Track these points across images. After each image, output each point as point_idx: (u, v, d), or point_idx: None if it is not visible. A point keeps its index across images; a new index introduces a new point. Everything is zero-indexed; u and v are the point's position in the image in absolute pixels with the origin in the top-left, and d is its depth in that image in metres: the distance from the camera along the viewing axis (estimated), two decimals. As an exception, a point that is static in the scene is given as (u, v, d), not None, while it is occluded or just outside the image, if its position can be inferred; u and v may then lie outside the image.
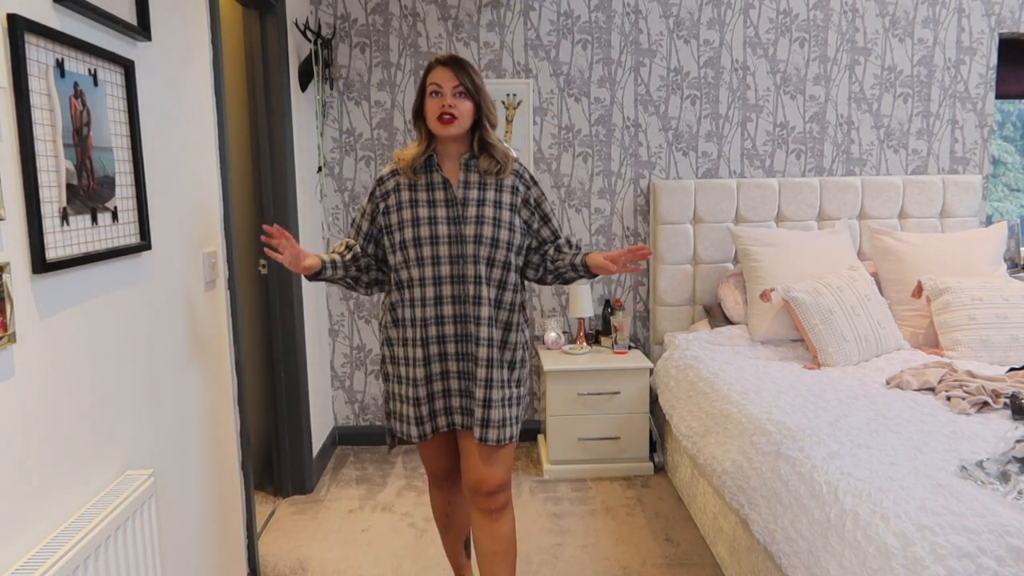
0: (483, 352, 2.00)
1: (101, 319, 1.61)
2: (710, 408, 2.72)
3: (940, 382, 2.54)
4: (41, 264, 1.36)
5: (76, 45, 1.50)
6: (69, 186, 1.47)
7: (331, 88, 3.67)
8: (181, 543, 1.98)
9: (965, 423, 2.21)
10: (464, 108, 1.97)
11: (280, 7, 3.06)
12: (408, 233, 2.00)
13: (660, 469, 3.51)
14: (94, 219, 1.57)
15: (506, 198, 2.03)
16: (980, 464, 1.85)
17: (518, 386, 2.09)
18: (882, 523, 1.65)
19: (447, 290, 2.00)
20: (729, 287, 3.52)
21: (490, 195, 2.02)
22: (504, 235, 2.01)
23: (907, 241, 3.37)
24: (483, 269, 2.00)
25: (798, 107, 3.79)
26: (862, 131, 3.82)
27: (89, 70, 1.55)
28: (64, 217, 1.45)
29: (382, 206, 2.05)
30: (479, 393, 2.01)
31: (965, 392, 2.40)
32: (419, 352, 2.03)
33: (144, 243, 1.78)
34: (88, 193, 1.54)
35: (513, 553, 2.12)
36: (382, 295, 2.13)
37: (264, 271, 3.19)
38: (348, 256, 2.11)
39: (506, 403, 2.04)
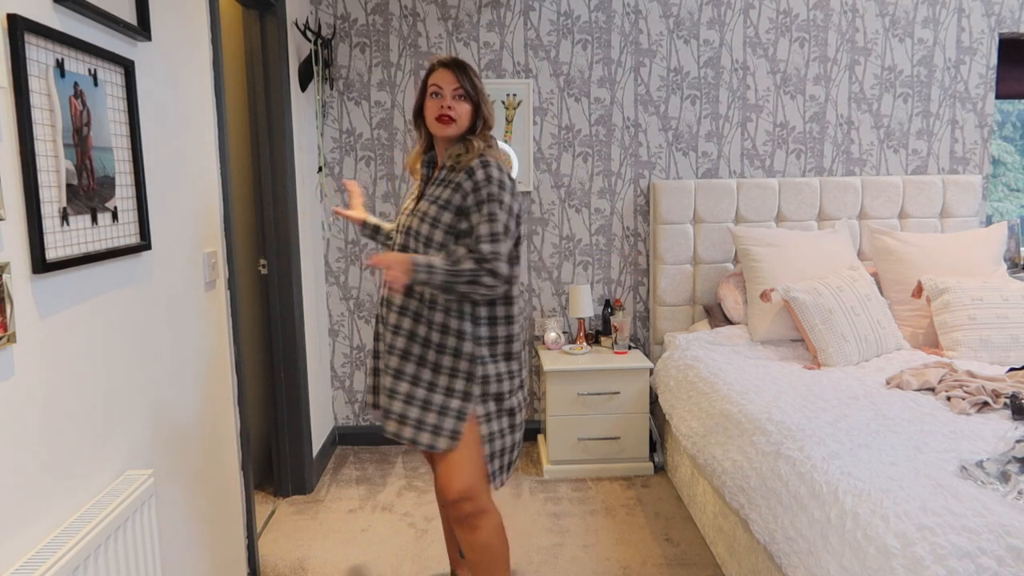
0: (394, 340, 2.03)
1: (101, 319, 1.61)
2: (710, 408, 2.72)
3: (940, 382, 2.54)
4: (41, 264, 1.37)
5: (76, 45, 1.50)
6: (69, 186, 1.47)
7: (331, 88, 3.67)
8: (181, 543, 1.98)
9: (965, 423, 2.21)
10: (463, 110, 2.01)
11: (280, 7, 3.06)
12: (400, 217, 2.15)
13: (660, 469, 3.51)
14: (94, 219, 1.57)
15: (445, 194, 2.00)
16: (980, 464, 1.85)
17: (447, 395, 1.99)
18: (882, 523, 1.65)
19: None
20: (729, 287, 3.52)
21: (438, 191, 2.03)
22: (424, 229, 2.00)
23: (907, 241, 3.37)
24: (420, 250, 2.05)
25: (798, 107, 3.79)
26: (862, 131, 3.82)
27: (89, 70, 1.55)
28: (64, 217, 1.45)
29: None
30: (385, 380, 2.06)
31: (965, 392, 2.40)
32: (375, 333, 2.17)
33: (144, 243, 1.78)
34: (88, 193, 1.54)
35: (491, 561, 2.08)
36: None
37: (264, 271, 3.19)
38: None
39: (417, 402, 2.01)
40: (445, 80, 2.01)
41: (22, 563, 1.29)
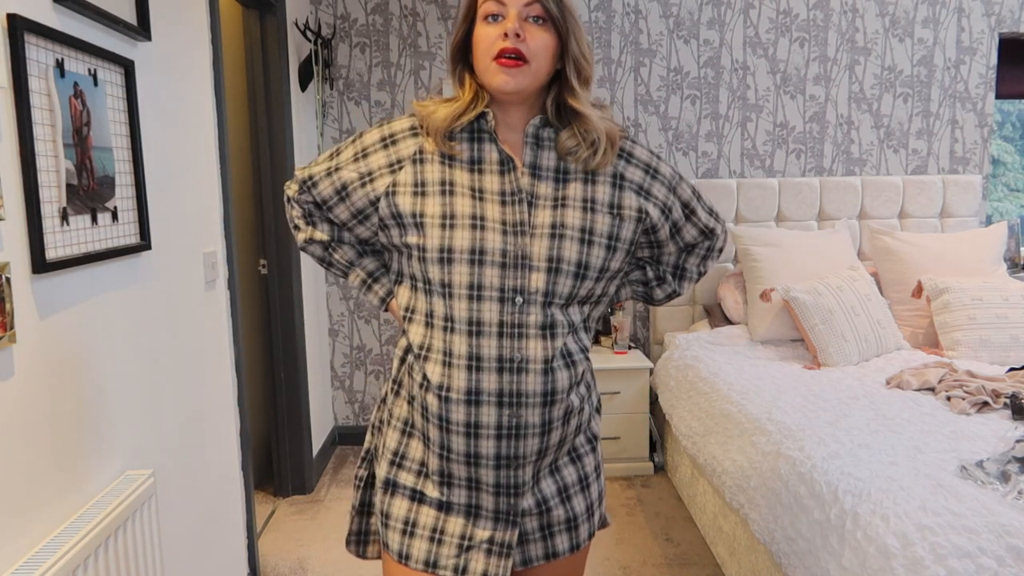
0: (542, 441, 1.23)
1: (101, 319, 1.61)
2: (710, 408, 2.72)
3: (940, 382, 2.54)
4: (41, 264, 1.36)
5: (76, 45, 1.50)
6: (69, 186, 1.47)
7: (331, 88, 3.67)
8: (181, 543, 1.98)
9: (965, 423, 2.21)
10: (541, 43, 1.17)
11: (280, 7, 3.06)
12: (434, 238, 1.18)
13: (660, 469, 3.51)
14: (94, 219, 1.57)
15: (603, 194, 1.23)
16: (980, 464, 1.85)
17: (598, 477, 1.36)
18: (882, 523, 1.65)
19: (490, 348, 1.18)
20: (729, 287, 3.52)
21: (576, 190, 1.22)
22: (595, 258, 1.21)
23: (907, 241, 3.37)
24: (557, 315, 1.20)
25: (798, 107, 3.79)
26: (862, 131, 3.82)
27: (89, 70, 1.55)
28: (64, 217, 1.45)
29: (384, 183, 1.24)
30: (560, 512, 1.29)
31: (965, 392, 2.40)
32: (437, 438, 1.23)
33: (144, 243, 1.78)
34: (88, 193, 1.54)
35: None
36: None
37: (264, 271, 3.19)
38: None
39: (576, 488, 1.32)
40: None
41: (22, 563, 1.29)
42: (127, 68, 1.71)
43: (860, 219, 3.72)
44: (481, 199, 1.20)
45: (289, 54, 3.18)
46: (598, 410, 1.37)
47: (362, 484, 1.38)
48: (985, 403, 2.34)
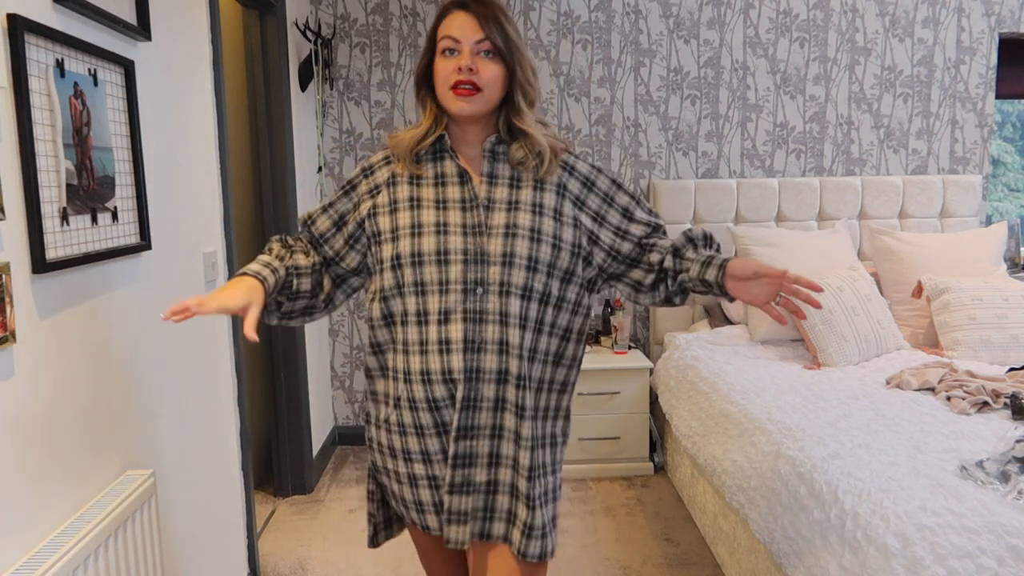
0: (520, 425, 1.39)
1: (101, 319, 1.61)
2: (710, 408, 2.72)
3: (940, 382, 2.54)
4: (41, 264, 1.36)
5: (76, 45, 1.50)
6: (69, 186, 1.47)
7: (331, 88, 3.67)
8: (181, 543, 1.98)
9: (965, 423, 2.21)
10: (491, 74, 1.36)
11: (280, 7, 3.06)
12: (405, 245, 1.38)
13: (660, 469, 3.51)
14: (94, 219, 1.57)
15: (549, 200, 1.42)
16: (980, 464, 1.85)
17: (554, 473, 1.47)
18: (882, 523, 1.65)
19: (456, 332, 1.36)
20: (729, 287, 3.52)
21: (526, 195, 1.41)
22: (543, 253, 1.38)
23: (907, 241, 3.37)
24: (514, 304, 1.37)
25: (798, 107, 3.79)
26: (862, 131, 3.82)
27: (89, 70, 1.55)
28: (64, 217, 1.45)
29: (367, 206, 1.44)
30: (522, 485, 1.40)
31: (965, 392, 2.40)
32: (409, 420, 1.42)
33: (144, 243, 1.78)
34: (88, 193, 1.54)
35: None
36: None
37: (264, 271, 3.19)
38: (288, 262, 1.45)
39: (548, 499, 1.43)
40: (464, 29, 1.35)
41: (22, 563, 1.29)
42: (127, 68, 1.71)
43: (860, 219, 3.72)
44: (444, 208, 1.40)
45: (289, 54, 3.18)
46: (563, 439, 1.50)
47: (373, 498, 1.58)
48: (985, 403, 2.34)
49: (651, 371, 3.44)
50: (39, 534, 1.38)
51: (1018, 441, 1.95)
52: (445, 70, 1.36)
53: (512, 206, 1.40)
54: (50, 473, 1.42)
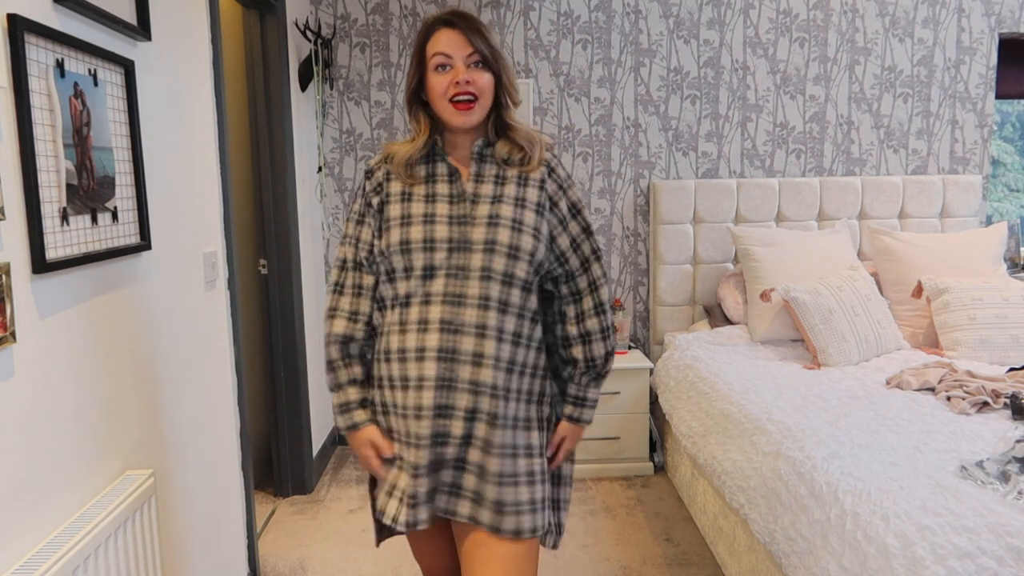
0: (493, 406, 1.46)
1: (101, 319, 1.61)
2: (710, 408, 2.72)
3: (940, 382, 2.54)
4: (41, 264, 1.37)
5: (76, 45, 1.50)
6: (69, 186, 1.47)
7: (331, 88, 3.67)
8: (181, 543, 1.98)
9: (965, 423, 2.21)
10: (484, 83, 1.48)
11: (280, 7, 3.06)
12: (395, 235, 1.49)
13: (660, 469, 3.51)
14: (94, 219, 1.57)
15: (532, 195, 1.52)
16: (980, 464, 1.85)
17: (541, 456, 1.54)
18: (882, 523, 1.65)
19: (436, 314, 1.45)
20: (729, 287, 3.52)
21: (510, 190, 1.52)
22: (527, 243, 1.48)
23: (907, 241, 3.37)
24: (495, 289, 1.46)
25: (798, 107, 3.79)
26: (862, 131, 3.82)
27: (89, 70, 1.55)
28: (64, 217, 1.45)
29: (375, 201, 1.55)
30: (492, 464, 1.46)
31: (965, 392, 2.40)
32: (404, 398, 1.50)
33: (144, 243, 1.78)
34: (88, 193, 1.54)
35: None
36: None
37: (264, 271, 3.19)
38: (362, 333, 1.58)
39: (538, 479, 1.51)
40: (454, 45, 1.47)
41: (22, 563, 1.29)
42: (127, 68, 1.71)
43: (860, 219, 3.72)
44: (433, 201, 1.51)
45: (289, 54, 3.18)
46: (542, 424, 1.58)
47: (374, 499, 1.64)
48: (985, 403, 2.34)
49: (651, 371, 3.44)
50: (39, 534, 1.38)
51: (1018, 441, 1.95)
52: (441, 85, 1.47)
53: (496, 199, 1.51)
54: (50, 473, 1.42)
